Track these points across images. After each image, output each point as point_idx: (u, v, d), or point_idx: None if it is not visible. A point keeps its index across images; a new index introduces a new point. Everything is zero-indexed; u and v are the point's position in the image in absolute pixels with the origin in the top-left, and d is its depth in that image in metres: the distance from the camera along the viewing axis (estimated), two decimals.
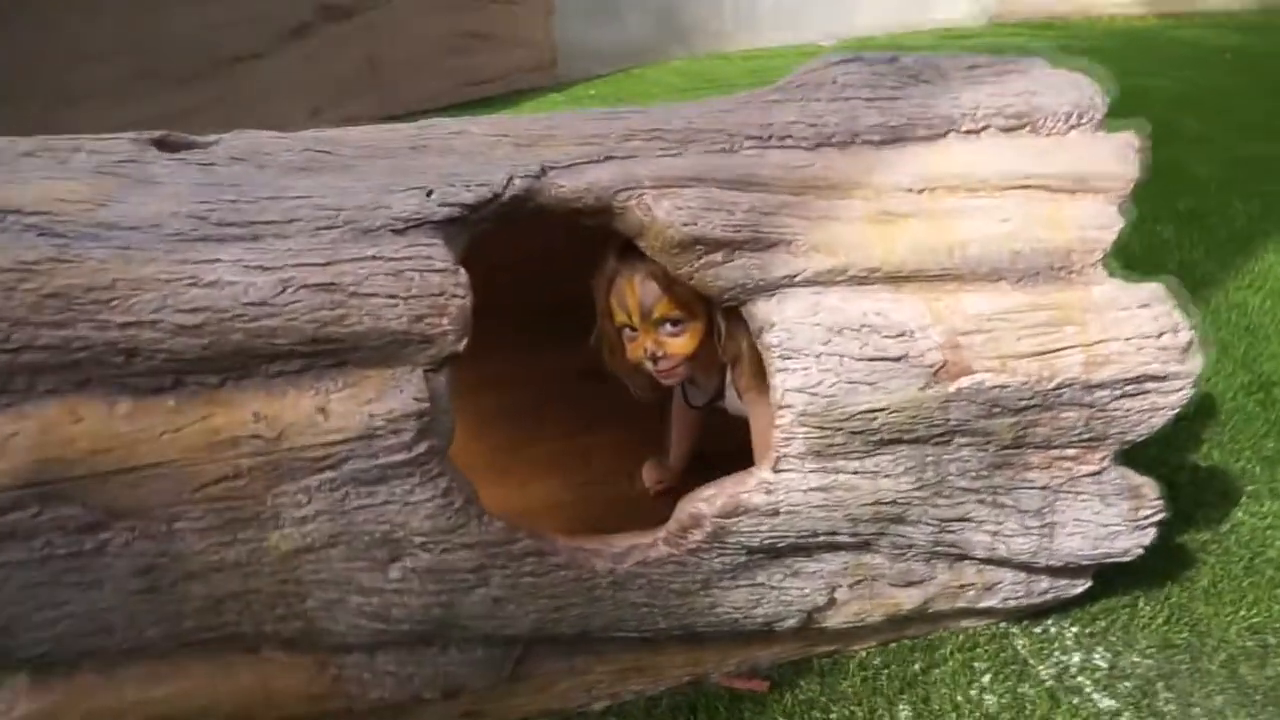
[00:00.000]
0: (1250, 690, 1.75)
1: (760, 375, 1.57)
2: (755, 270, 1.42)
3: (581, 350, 2.16)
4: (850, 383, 1.41)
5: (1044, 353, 1.46)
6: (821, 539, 1.53)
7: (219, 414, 1.26)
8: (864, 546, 1.58)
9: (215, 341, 1.22)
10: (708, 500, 1.47)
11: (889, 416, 1.43)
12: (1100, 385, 1.48)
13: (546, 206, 1.43)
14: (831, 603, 1.64)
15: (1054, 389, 1.46)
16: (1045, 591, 1.74)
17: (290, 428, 1.28)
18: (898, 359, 1.42)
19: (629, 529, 1.74)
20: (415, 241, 1.33)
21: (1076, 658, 1.84)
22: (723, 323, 1.58)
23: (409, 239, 1.34)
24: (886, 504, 1.50)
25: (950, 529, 1.58)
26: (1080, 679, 1.79)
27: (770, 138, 1.54)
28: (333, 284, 1.27)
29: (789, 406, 1.41)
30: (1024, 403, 1.47)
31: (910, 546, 1.60)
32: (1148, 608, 1.93)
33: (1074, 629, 1.90)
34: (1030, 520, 1.59)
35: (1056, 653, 1.85)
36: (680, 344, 1.59)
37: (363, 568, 1.37)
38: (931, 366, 1.42)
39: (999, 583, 1.71)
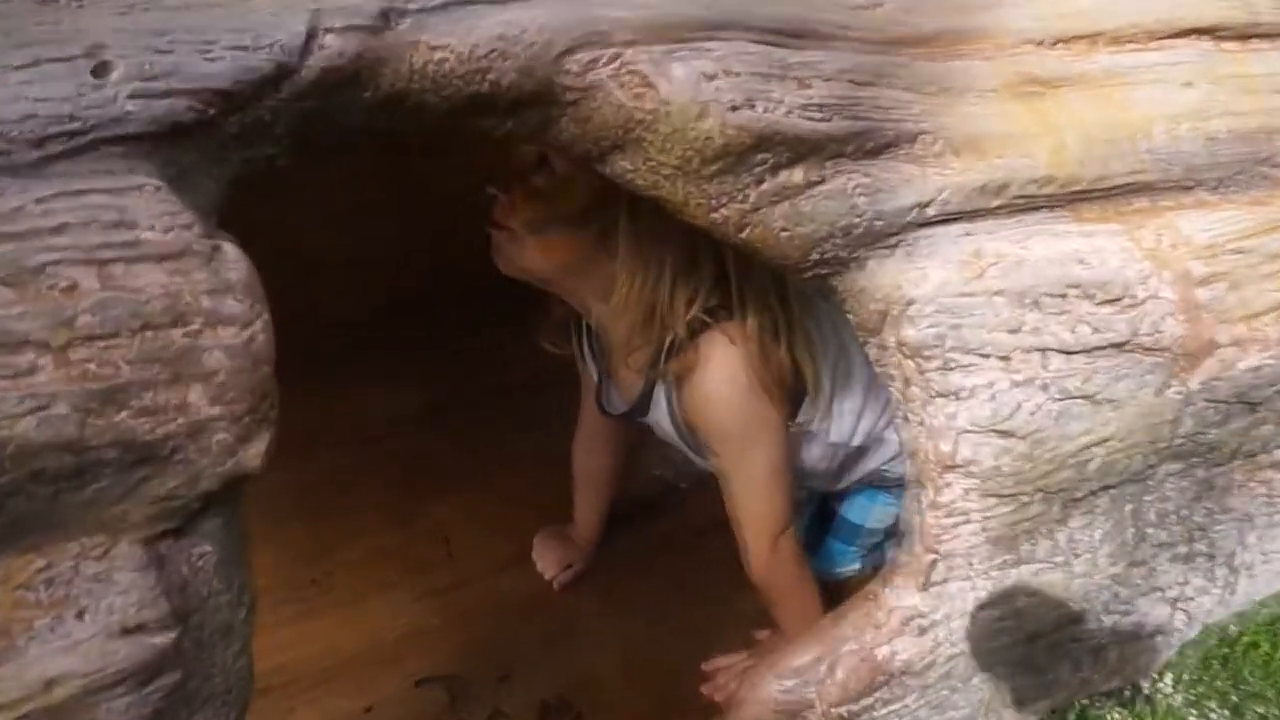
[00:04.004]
0: None
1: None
2: (863, 198, 0.64)
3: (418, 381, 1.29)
4: (1062, 399, 0.67)
5: None
6: (974, 683, 0.79)
7: None
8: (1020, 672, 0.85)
9: None
10: (808, 674, 0.67)
11: (1111, 452, 0.71)
12: None
13: (405, 96, 0.56)
14: None
15: None
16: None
17: None
18: (1123, 343, 0.69)
19: (554, 673, 1.01)
20: (85, 187, 0.42)
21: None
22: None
23: (55, 181, 0.42)
24: (1076, 601, 0.78)
25: (1132, 611, 0.89)
26: None
27: None
28: None
29: (963, 466, 0.64)
30: (1274, 389, 0.80)
31: (1072, 651, 0.90)
32: None
33: None
34: (1219, 568, 0.95)
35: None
36: (531, 212, 0.79)
37: None
38: (1169, 349, 0.71)
39: (1135, 658, 1.06)
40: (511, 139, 0.63)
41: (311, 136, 0.56)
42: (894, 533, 1.11)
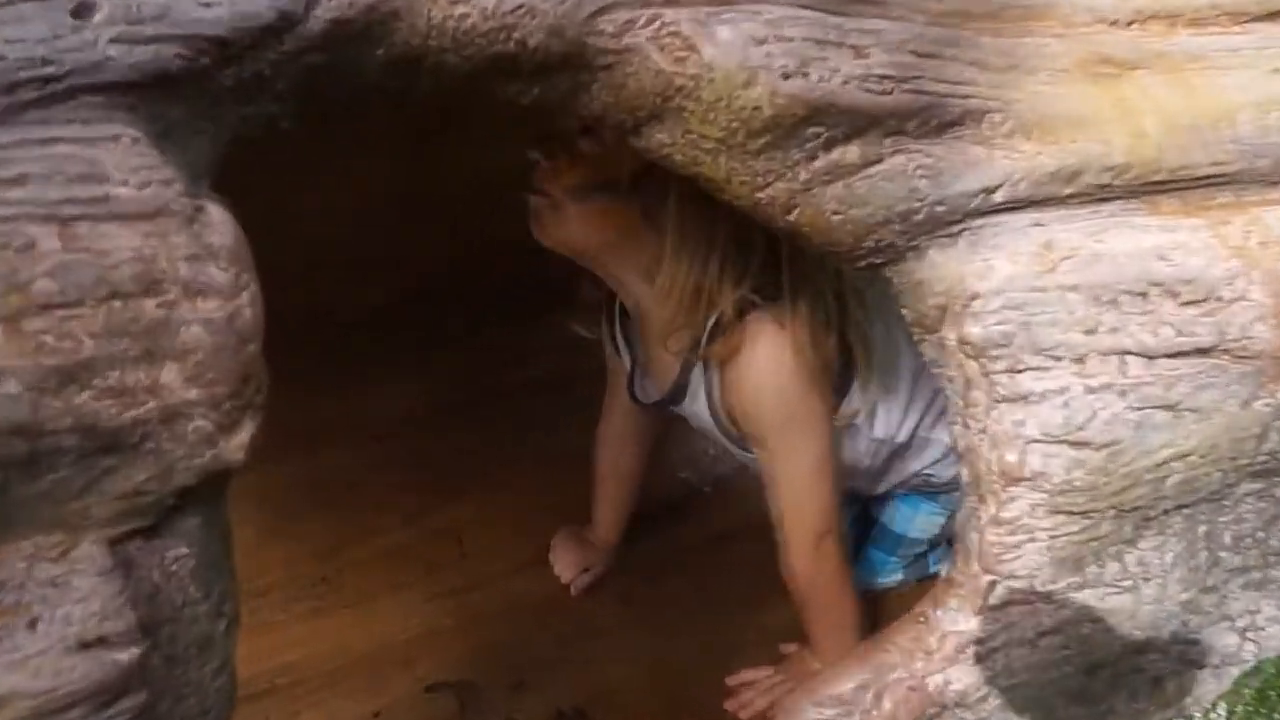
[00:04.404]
0: None
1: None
2: (924, 180, 0.57)
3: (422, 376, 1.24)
4: (1141, 408, 0.59)
5: None
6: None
7: None
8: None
9: None
10: (852, 703, 0.61)
11: (1192, 468, 0.64)
12: None
13: (422, 54, 0.50)
14: None
15: None
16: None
17: None
18: (1208, 349, 0.62)
19: (569, 681, 0.96)
20: (51, 135, 0.36)
21: None
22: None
23: (19, 129, 0.36)
24: (1144, 628, 0.71)
25: (1199, 639, 0.82)
26: None
27: None
28: None
29: (1031, 479, 0.57)
30: None
31: (1132, 682, 0.82)
32: None
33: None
34: None
35: None
36: (575, 178, 0.74)
37: None
38: (1257, 357, 0.64)
39: (1193, 688, 0.98)
40: (537, 108, 0.57)
41: (317, 95, 0.50)
42: (939, 542, 1.04)
